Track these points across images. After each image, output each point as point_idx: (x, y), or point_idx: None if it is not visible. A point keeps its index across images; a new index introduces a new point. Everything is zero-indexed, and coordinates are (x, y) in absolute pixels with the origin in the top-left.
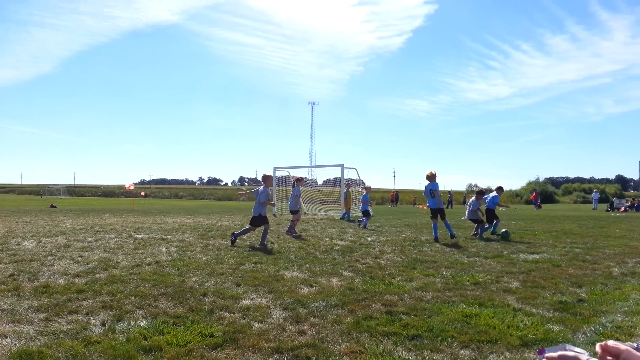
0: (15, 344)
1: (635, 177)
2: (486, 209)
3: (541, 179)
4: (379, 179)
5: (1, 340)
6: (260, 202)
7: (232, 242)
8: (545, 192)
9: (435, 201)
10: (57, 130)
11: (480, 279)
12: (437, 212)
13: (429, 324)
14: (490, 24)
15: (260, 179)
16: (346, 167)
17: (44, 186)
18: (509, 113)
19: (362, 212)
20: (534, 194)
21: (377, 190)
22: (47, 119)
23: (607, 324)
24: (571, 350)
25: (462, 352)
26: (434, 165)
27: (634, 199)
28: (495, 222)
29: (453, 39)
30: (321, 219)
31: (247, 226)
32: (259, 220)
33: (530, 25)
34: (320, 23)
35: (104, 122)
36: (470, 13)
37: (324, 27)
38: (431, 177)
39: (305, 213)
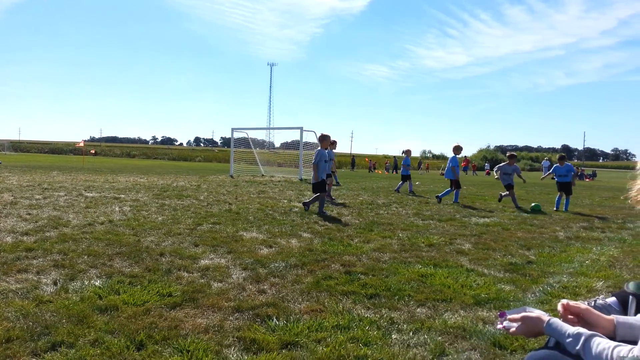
0: None
1: (580, 147)
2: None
3: (492, 147)
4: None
5: None
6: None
7: (306, 208)
8: (495, 159)
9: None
10: (1, 82)
11: (434, 241)
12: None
13: (387, 284)
14: None
15: (317, 139)
16: (305, 130)
17: None
18: (465, 81)
19: (402, 175)
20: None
21: (335, 154)
22: None
23: (554, 285)
24: (531, 312)
25: (418, 310)
26: (392, 130)
27: (578, 168)
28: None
29: (414, 5)
30: (279, 181)
31: (315, 194)
32: (321, 186)
33: None
34: None
35: (51, 75)
36: None
37: None
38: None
39: (262, 175)
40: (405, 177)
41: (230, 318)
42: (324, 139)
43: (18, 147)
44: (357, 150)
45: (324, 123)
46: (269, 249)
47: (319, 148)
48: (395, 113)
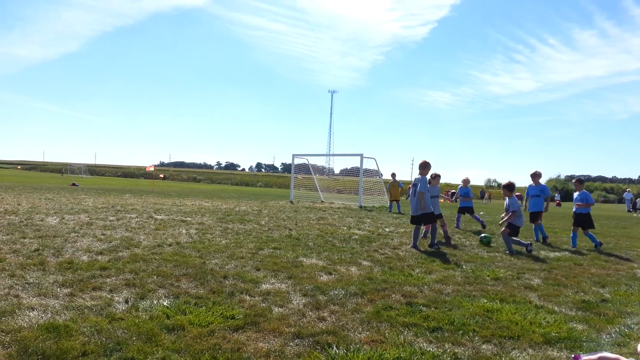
0: (42, 317)
1: None
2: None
3: (562, 177)
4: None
5: (29, 312)
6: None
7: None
8: (565, 190)
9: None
10: (80, 110)
11: (501, 275)
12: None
13: (450, 317)
14: (517, 17)
15: (418, 166)
16: (365, 157)
17: (65, 164)
18: (532, 108)
19: (460, 207)
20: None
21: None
22: (70, 98)
23: (632, 326)
24: (609, 356)
25: (484, 346)
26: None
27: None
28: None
29: (479, 31)
30: (338, 207)
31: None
32: (429, 217)
33: (559, 19)
34: (345, 10)
35: (126, 103)
36: (498, 5)
37: (348, 14)
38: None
39: (322, 201)
40: (463, 209)
41: (291, 344)
42: (425, 166)
43: (94, 170)
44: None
45: (383, 150)
46: (329, 275)
47: (420, 176)
48: (457, 140)
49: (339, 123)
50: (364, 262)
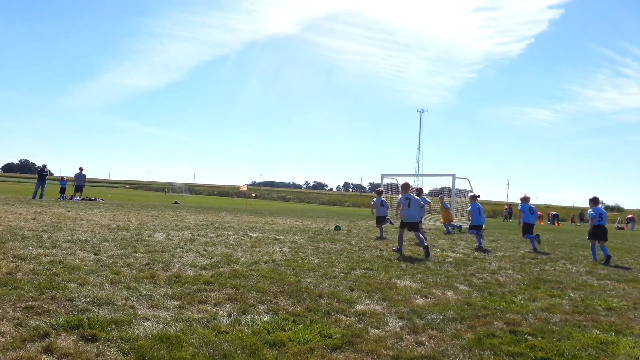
0: (155, 327)
1: None
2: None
3: None
4: (491, 191)
5: (143, 322)
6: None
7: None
8: None
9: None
10: (181, 133)
11: (614, 304)
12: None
13: (559, 348)
14: (623, 29)
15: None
16: (458, 177)
17: (168, 184)
18: None
19: (525, 225)
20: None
21: (488, 202)
22: (172, 123)
23: None
24: None
25: None
26: (555, 177)
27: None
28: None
29: (580, 45)
30: (429, 229)
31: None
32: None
33: None
34: (434, 30)
35: (221, 126)
36: (601, 17)
37: (437, 33)
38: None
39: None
40: (528, 227)
41: None
42: (408, 187)
43: (193, 189)
44: (515, 199)
45: (475, 169)
46: (425, 299)
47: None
48: (558, 159)
49: (428, 143)
50: (461, 287)
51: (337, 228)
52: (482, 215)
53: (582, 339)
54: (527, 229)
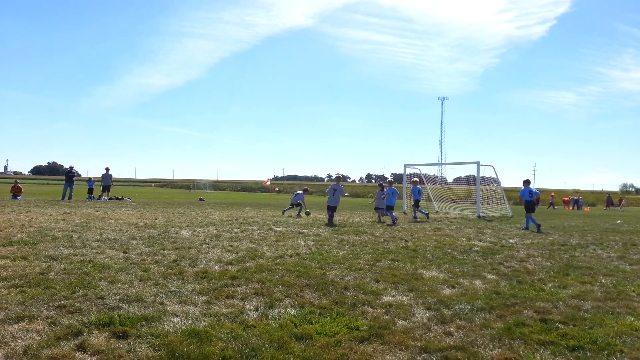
0: (184, 323)
1: None
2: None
3: None
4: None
5: (173, 318)
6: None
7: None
8: None
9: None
10: (203, 131)
11: None
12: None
13: (592, 336)
14: None
15: (336, 178)
16: (482, 165)
17: (192, 181)
18: None
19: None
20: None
21: (514, 190)
22: (194, 121)
23: None
24: None
25: None
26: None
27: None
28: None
29: (604, 25)
30: (455, 218)
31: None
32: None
33: None
34: (453, 16)
35: (242, 122)
36: None
37: (457, 19)
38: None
39: (437, 212)
40: (530, 206)
41: (418, 358)
42: (340, 178)
43: (217, 185)
44: (542, 184)
45: (500, 156)
46: (452, 289)
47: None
48: (584, 143)
49: (450, 131)
50: (489, 276)
51: (307, 214)
52: (395, 197)
53: (616, 326)
54: (529, 208)
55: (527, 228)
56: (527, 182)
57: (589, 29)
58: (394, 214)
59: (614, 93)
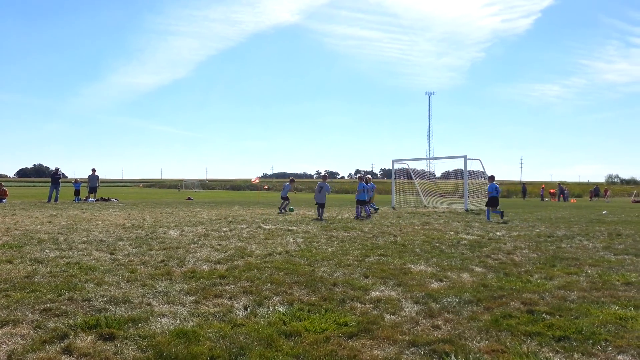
0: (172, 323)
1: None
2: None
3: None
4: (504, 171)
5: (160, 319)
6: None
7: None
8: None
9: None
10: (191, 130)
11: (633, 279)
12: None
13: (577, 326)
14: None
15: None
16: (469, 159)
17: (180, 180)
18: None
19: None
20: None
21: (503, 183)
22: (182, 120)
23: None
24: None
25: (619, 357)
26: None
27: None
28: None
29: (588, 17)
30: (443, 212)
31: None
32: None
33: None
34: (439, 10)
35: (229, 120)
36: None
37: (442, 14)
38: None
39: (425, 206)
40: (493, 201)
41: (407, 352)
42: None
43: (205, 185)
44: (529, 177)
45: (487, 149)
46: (440, 282)
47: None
48: (570, 135)
49: (438, 125)
50: (476, 268)
51: (291, 210)
52: (367, 193)
53: (601, 316)
54: (493, 202)
55: (489, 219)
56: (492, 178)
57: (573, 22)
58: (359, 209)
59: (598, 85)
